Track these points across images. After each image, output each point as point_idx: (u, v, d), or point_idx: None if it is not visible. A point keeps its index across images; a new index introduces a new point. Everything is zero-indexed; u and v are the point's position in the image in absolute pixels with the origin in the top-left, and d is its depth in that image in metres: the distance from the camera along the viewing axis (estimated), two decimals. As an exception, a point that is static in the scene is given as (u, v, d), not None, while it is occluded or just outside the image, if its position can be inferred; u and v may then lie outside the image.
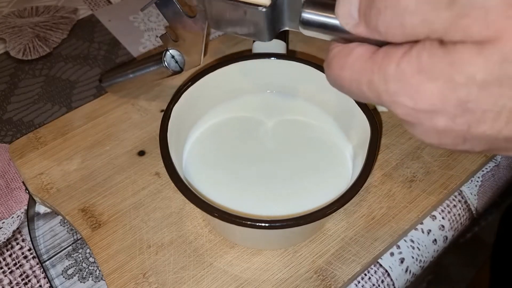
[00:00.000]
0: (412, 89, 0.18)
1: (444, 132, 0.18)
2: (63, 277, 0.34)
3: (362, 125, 0.31)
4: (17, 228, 0.36)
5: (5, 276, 0.34)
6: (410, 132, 0.20)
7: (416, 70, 0.17)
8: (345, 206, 0.28)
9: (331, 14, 0.24)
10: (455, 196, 0.38)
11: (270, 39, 0.28)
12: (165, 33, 0.35)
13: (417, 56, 0.17)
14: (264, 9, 0.26)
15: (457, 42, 0.16)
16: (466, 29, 0.16)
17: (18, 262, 0.35)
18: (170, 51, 0.35)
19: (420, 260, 0.36)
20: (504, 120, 0.17)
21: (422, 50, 0.17)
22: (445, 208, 0.37)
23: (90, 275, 0.34)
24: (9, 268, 0.34)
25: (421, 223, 0.36)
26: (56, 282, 0.34)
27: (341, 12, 0.21)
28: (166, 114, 0.31)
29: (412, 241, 0.35)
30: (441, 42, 0.17)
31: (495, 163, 0.40)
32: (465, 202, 0.38)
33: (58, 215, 0.37)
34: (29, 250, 0.35)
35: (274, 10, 0.26)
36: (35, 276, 0.34)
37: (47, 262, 0.35)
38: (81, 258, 0.35)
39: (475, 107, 0.17)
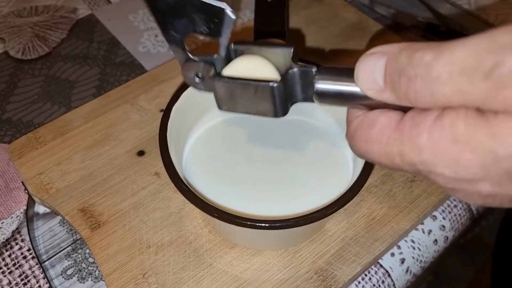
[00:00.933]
0: (451, 160, 0.17)
1: (489, 196, 0.18)
2: (63, 277, 0.34)
3: (362, 125, 0.31)
4: (17, 228, 0.36)
5: (5, 276, 0.34)
6: (452, 195, 0.20)
7: (451, 140, 0.17)
8: (345, 206, 0.27)
9: (347, 82, 0.22)
10: (456, 196, 0.38)
11: (284, 115, 0.26)
12: None
13: (451, 125, 0.17)
14: (275, 84, 0.24)
15: (497, 112, 0.16)
16: (506, 101, 0.16)
17: (18, 262, 0.35)
18: None
19: (421, 261, 0.36)
20: None
21: (457, 119, 0.17)
22: (445, 208, 0.37)
23: (90, 276, 0.34)
24: (8, 269, 0.34)
25: (422, 223, 0.36)
26: (56, 282, 0.34)
27: (363, 78, 0.20)
28: (166, 114, 0.31)
29: (413, 241, 0.35)
30: (479, 111, 0.16)
31: (496, 163, 0.40)
32: (466, 202, 0.38)
33: (57, 215, 0.37)
34: (29, 250, 0.35)
35: (285, 84, 0.25)
36: (35, 277, 0.34)
37: (47, 263, 0.35)
38: (80, 259, 0.35)
39: None
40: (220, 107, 0.27)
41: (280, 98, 0.25)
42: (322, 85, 0.24)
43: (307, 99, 0.25)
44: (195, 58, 0.27)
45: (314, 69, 0.24)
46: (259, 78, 0.25)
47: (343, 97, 0.23)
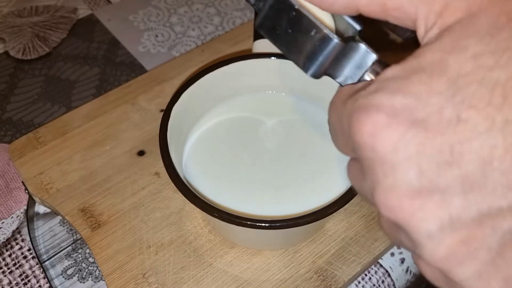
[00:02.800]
0: None
1: None
2: (63, 277, 0.34)
3: (362, 125, 0.31)
4: (17, 228, 0.36)
5: (5, 276, 0.34)
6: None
7: None
8: (345, 206, 0.27)
9: None
10: (456, 196, 0.38)
11: (313, 75, 0.24)
12: None
13: None
14: (338, 41, 0.22)
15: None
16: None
17: (18, 262, 0.35)
18: None
19: (421, 260, 0.36)
20: None
21: None
22: (445, 208, 0.37)
23: (90, 275, 0.34)
24: (8, 268, 0.34)
25: (422, 223, 0.36)
26: (56, 282, 0.34)
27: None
28: (166, 114, 0.31)
29: (413, 241, 0.35)
30: None
31: (496, 163, 0.40)
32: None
33: (57, 215, 0.37)
34: (29, 250, 0.35)
35: (344, 50, 0.23)
36: (35, 276, 0.34)
37: (47, 262, 0.35)
38: (80, 258, 0.35)
39: None
40: (259, 25, 0.24)
41: (329, 58, 0.23)
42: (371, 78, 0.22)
43: (345, 81, 0.23)
44: None
45: (375, 57, 0.22)
46: (322, 24, 0.22)
47: None
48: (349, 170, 0.22)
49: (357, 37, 0.23)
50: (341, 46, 0.22)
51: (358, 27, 0.24)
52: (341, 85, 0.24)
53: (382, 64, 0.22)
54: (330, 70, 0.24)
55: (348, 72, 0.23)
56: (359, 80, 0.23)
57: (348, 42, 0.23)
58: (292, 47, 0.24)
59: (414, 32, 0.20)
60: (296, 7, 0.23)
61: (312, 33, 0.23)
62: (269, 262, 0.32)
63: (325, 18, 0.24)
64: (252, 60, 0.35)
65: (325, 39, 0.22)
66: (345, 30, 0.25)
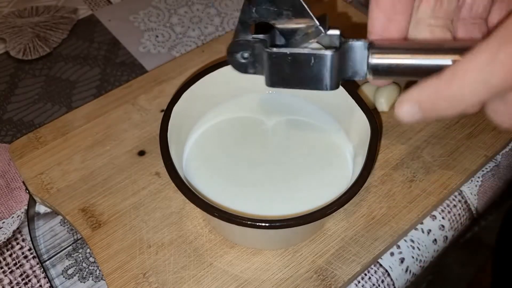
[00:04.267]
0: None
1: None
2: (63, 277, 0.34)
3: (362, 125, 0.31)
4: (17, 228, 0.36)
5: (5, 276, 0.34)
6: None
7: None
8: (345, 206, 0.28)
9: (402, 55, 0.24)
10: (455, 196, 0.38)
11: (335, 88, 0.27)
12: None
13: None
14: (332, 53, 0.26)
15: None
16: None
17: (18, 262, 0.35)
18: None
19: (420, 260, 0.36)
20: None
21: None
22: (445, 208, 0.37)
23: (90, 275, 0.34)
24: (9, 268, 0.34)
25: (421, 223, 0.36)
26: (56, 282, 0.34)
27: None
28: (167, 114, 0.31)
29: (412, 241, 0.35)
30: None
31: (495, 163, 0.40)
32: (465, 202, 0.38)
33: (58, 215, 0.37)
34: (29, 250, 0.35)
35: (341, 55, 0.26)
36: (35, 276, 0.34)
37: (47, 262, 0.35)
38: (81, 258, 0.35)
39: None
40: (270, 83, 0.28)
41: (335, 69, 0.26)
42: (377, 59, 0.25)
43: (358, 74, 0.27)
44: (249, 38, 0.28)
45: (367, 43, 0.25)
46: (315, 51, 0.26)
47: (398, 70, 0.25)
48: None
49: (342, 39, 0.27)
50: (336, 55, 0.26)
51: (337, 32, 0.27)
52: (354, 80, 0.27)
53: (375, 44, 0.25)
54: (342, 76, 0.27)
55: (357, 66, 0.26)
56: (368, 65, 0.26)
57: (338, 49, 0.26)
58: (305, 81, 0.27)
59: None
60: (288, 52, 0.26)
61: (312, 62, 0.26)
62: (269, 261, 0.32)
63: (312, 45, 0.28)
64: (252, 60, 0.35)
65: (322, 59, 0.26)
66: (330, 42, 0.28)
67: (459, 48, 0.24)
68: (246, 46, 0.28)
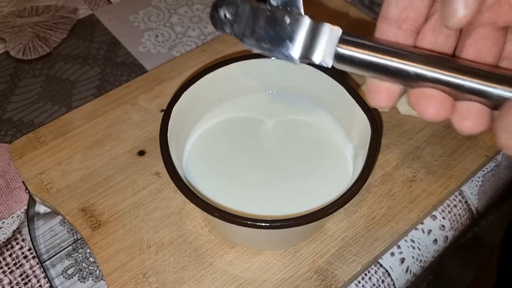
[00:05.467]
0: None
1: None
2: (63, 277, 0.34)
3: (362, 125, 0.31)
4: (17, 228, 0.36)
5: (5, 276, 0.34)
6: None
7: None
8: (345, 206, 0.28)
9: (369, 52, 0.25)
10: (456, 196, 0.38)
11: (301, 59, 0.27)
12: None
13: None
14: (308, 18, 0.26)
15: None
16: None
17: (18, 262, 0.35)
18: None
19: (421, 260, 0.36)
20: None
21: None
22: (445, 208, 0.37)
23: (90, 275, 0.34)
24: (9, 268, 0.34)
25: (422, 223, 0.36)
26: (56, 282, 0.34)
27: None
28: (167, 114, 0.31)
29: (413, 241, 0.35)
30: None
31: (496, 163, 0.40)
32: (466, 202, 0.38)
33: (58, 215, 0.37)
34: (29, 250, 0.35)
35: (314, 28, 0.26)
36: (35, 276, 0.34)
37: (47, 262, 0.35)
38: (81, 258, 0.35)
39: None
40: (242, 34, 0.29)
41: (305, 39, 0.27)
42: (344, 50, 0.25)
43: (324, 59, 0.27)
44: None
45: (340, 32, 0.26)
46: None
47: (360, 66, 0.25)
48: None
49: (319, 22, 0.27)
50: (311, 22, 0.26)
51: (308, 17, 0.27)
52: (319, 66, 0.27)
53: (349, 36, 0.26)
54: (309, 54, 0.27)
55: (325, 51, 0.26)
56: (335, 55, 0.26)
57: (313, 21, 0.27)
58: (275, 40, 0.27)
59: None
60: (269, 7, 0.27)
61: (287, 21, 0.27)
62: (269, 261, 0.32)
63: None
64: (252, 60, 0.35)
65: (298, 20, 0.27)
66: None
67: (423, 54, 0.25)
68: (231, 4, 0.29)
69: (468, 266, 0.58)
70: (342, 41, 0.26)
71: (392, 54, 0.25)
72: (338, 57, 0.26)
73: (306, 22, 0.26)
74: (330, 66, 0.27)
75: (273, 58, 0.30)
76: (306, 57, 0.27)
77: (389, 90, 0.26)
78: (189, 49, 0.49)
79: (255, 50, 0.29)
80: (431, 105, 0.24)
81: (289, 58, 0.27)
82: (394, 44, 0.26)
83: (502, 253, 0.53)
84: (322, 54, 0.27)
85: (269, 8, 0.27)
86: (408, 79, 0.25)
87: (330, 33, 0.26)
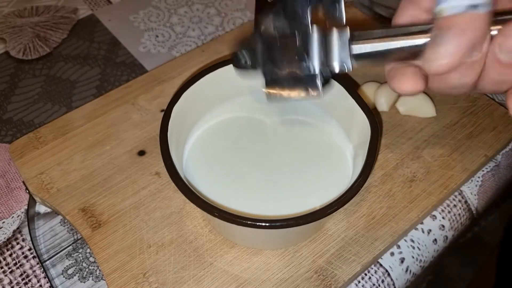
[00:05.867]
0: None
1: None
2: (63, 276, 0.34)
3: (362, 125, 0.31)
4: (17, 228, 0.36)
5: (5, 275, 0.34)
6: None
7: None
8: (345, 206, 0.28)
9: (382, 40, 0.25)
10: (455, 196, 0.38)
11: (321, 70, 0.27)
12: None
13: None
14: (316, 28, 0.27)
15: None
16: None
17: (18, 261, 0.35)
18: None
19: (420, 260, 0.36)
20: None
21: None
22: (445, 208, 0.37)
23: (91, 275, 0.34)
24: (9, 268, 0.34)
25: (421, 223, 0.36)
26: (56, 281, 0.34)
27: None
28: (167, 114, 0.31)
29: (412, 241, 0.35)
30: None
31: (495, 163, 0.40)
32: (465, 202, 0.38)
33: (58, 215, 0.37)
34: (29, 249, 0.35)
35: (325, 37, 0.27)
36: (35, 276, 0.34)
37: (47, 262, 0.35)
38: (81, 258, 0.35)
39: None
40: (261, 68, 0.29)
41: (319, 50, 0.27)
42: (359, 47, 0.26)
43: (343, 65, 0.27)
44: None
45: (348, 32, 0.26)
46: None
47: (380, 56, 0.26)
48: None
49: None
50: (320, 33, 0.27)
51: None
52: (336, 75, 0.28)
53: (357, 35, 0.26)
54: (328, 62, 0.27)
55: (340, 55, 0.27)
56: (350, 54, 0.26)
57: (322, 31, 0.27)
58: (293, 64, 0.28)
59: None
60: (277, 34, 0.28)
61: (297, 37, 0.27)
62: (269, 261, 0.32)
63: None
64: (252, 60, 0.35)
65: (306, 32, 0.27)
66: None
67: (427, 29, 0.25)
68: (248, 44, 0.29)
69: (468, 266, 0.58)
70: (353, 39, 0.26)
71: (405, 33, 0.25)
72: (356, 56, 0.26)
73: (314, 28, 0.27)
74: (351, 69, 0.27)
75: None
76: (326, 66, 0.27)
77: (415, 73, 0.26)
78: (189, 49, 0.49)
79: (279, 87, 0.29)
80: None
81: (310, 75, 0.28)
82: (401, 25, 0.27)
83: (501, 253, 0.53)
84: (339, 59, 0.27)
85: (276, 35, 0.27)
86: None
87: (339, 36, 0.26)
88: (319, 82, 0.28)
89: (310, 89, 0.28)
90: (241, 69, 0.30)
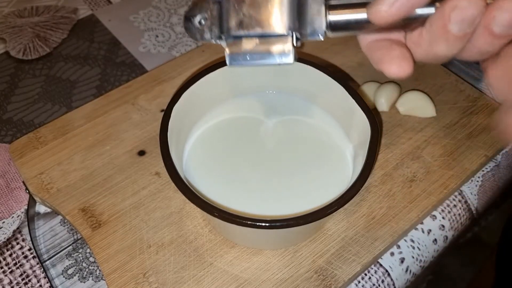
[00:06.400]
0: None
1: None
2: (63, 276, 0.34)
3: (362, 125, 0.31)
4: (17, 228, 0.36)
5: (5, 276, 0.34)
6: None
7: None
8: (345, 206, 0.28)
9: (358, 10, 0.24)
10: (455, 196, 0.38)
11: (289, 31, 0.25)
12: None
13: None
14: None
15: None
16: None
17: (18, 261, 0.35)
18: None
19: (420, 260, 0.36)
20: None
21: None
22: (445, 208, 0.37)
23: (90, 275, 0.34)
24: (9, 268, 0.34)
25: (421, 223, 0.36)
26: (56, 282, 0.34)
27: None
28: (167, 114, 0.31)
29: (412, 241, 0.35)
30: None
31: (495, 163, 0.40)
32: (465, 202, 0.38)
33: (58, 215, 0.37)
34: (29, 249, 0.35)
35: (298, 1, 0.25)
36: (35, 276, 0.34)
37: (47, 262, 0.35)
38: (81, 258, 0.35)
39: None
40: (228, 34, 0.26)
41: (293, 11, 0.25)
42: (335, 16, 0.25)
43: (316, 32, 0.25)
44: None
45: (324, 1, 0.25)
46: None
47: (355, 26, 0.25)
48: None
49: None
50: None
51: None
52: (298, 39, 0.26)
53: (333, 7, 0.25)
54: (301, 29, 0.26)
55: (315, 23, 0.25)
56: (326, 22, 0.25)
57: None
58: (263, 24, 0.26)
59: None
60: None
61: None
62: (269, 261, 0.32)
63: None
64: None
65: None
66: None
67: None
68: (204, 8, 0.27)
69: (468, 266, 0.58)
70: (330, 7, 0.25)
71: None
72: (332, 26, 0.25)
73: None
74: (322, 38, 0.25)
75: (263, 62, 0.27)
76: (296, 31, 0.26)
77: (403, 55, 0.26)
78: (189, 49, 0.49)
79: (244, 46, 0.27)
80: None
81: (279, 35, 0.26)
82: None
83: (499, 253, 0.53)
84: (315, 29, 0.25)
85: None
86: (414, 21, 0.24)
87: (314, 4, 0.25)
88: (290, 45, 0.26)
89: (280, 52, 0.26)
90: (194, 32, 0.28)
